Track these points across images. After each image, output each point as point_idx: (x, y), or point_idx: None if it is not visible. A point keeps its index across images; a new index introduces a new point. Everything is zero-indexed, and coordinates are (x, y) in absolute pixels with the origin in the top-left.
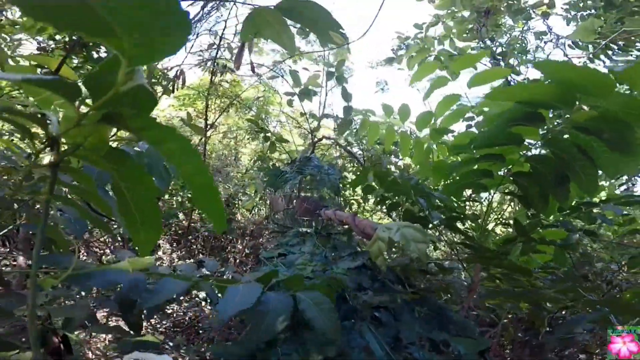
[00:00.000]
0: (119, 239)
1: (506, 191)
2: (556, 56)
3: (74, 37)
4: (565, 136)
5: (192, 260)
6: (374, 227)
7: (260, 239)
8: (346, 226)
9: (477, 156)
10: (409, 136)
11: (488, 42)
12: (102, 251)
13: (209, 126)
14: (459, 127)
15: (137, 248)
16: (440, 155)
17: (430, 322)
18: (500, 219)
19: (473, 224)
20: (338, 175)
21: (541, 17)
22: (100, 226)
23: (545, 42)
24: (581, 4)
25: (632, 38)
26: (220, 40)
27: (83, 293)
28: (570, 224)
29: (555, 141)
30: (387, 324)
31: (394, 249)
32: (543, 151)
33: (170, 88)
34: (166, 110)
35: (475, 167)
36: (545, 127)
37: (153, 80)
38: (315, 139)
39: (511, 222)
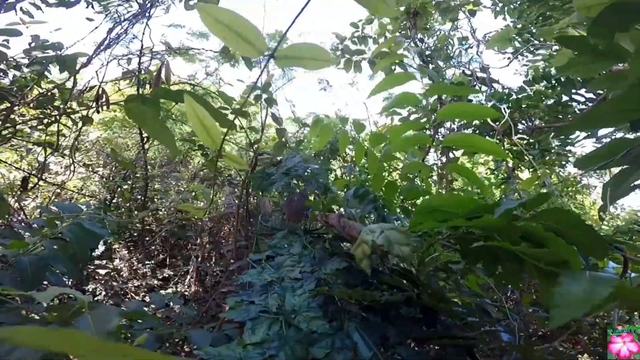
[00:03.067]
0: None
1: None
2: (481, 60)
3: None
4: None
5: (152, 262)
6: (359, 229)
7: (221, 233)
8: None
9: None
10: (363, 145)
11: (418, 43)
12: None
13: (145, 139)
14: None
15: None
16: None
17: (417, 323)
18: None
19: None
20: (326, 175)
21: (468, 15)
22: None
23: (466, 49)
24: None
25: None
26: (140, 58)
27: None
28: None
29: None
30: (375, 324)
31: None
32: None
33: (92, 114)
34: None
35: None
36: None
37: (69, 110)
38: (257, 154)
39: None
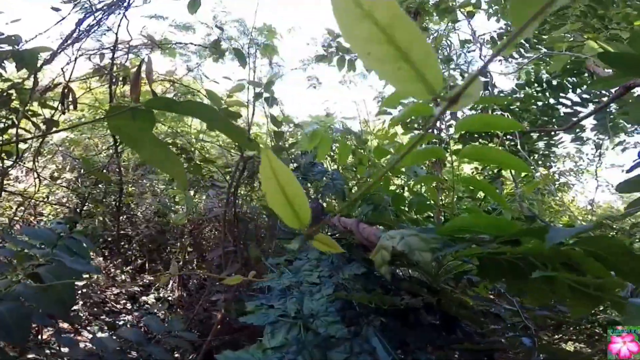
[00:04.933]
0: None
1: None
2: (479, 62)
3: None
4: None
5: (130, 268)
6: (378, 235)
7: (203, 235)
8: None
9: None
10: (367, 156)
11: None
12: None
13: (118, 141)
14: None
15: None
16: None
17: (437, 329)
18: None
19: None
20: (343, 180)
21: (467, 17)
22: None
23: (467, 52)
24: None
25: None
26: (113, 53)
27: None
28: None
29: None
30: (394, 329)
31: None
32: None
33: (57, 116)
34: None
35: None
36: None
37: (29, 112)
38: (246, 157)
39: None
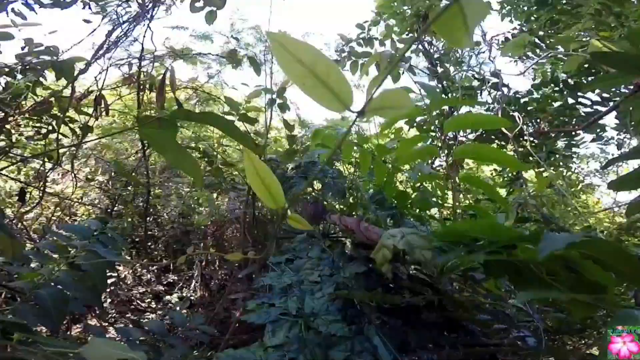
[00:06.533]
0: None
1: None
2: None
3: None
4: None
5: (154, 268)
6: (379, 233)
7: (225, 236)
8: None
9: None
10: (369, 154)
11: (426, 46)
12: None
13: (145, 145)
14: None
15: None
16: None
17: (439, 328)
18: None
19: None
20: (344, 180)
21: None
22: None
23: (477, 53)
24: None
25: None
26: (140, 62)
27: None
28: None
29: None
30: (395, 328)
31: None
32: None
33: (91, 122)
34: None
35: None
36: None
37: (67, 119)
38: (264, 159)
39: None
